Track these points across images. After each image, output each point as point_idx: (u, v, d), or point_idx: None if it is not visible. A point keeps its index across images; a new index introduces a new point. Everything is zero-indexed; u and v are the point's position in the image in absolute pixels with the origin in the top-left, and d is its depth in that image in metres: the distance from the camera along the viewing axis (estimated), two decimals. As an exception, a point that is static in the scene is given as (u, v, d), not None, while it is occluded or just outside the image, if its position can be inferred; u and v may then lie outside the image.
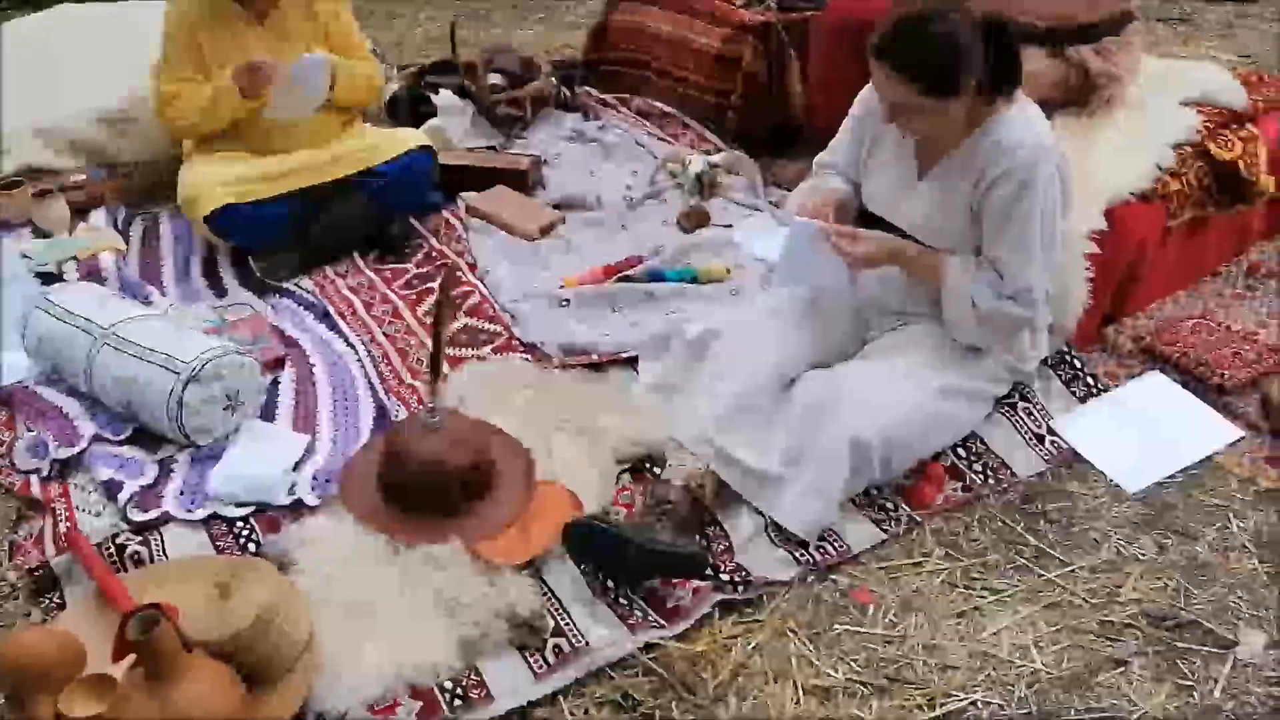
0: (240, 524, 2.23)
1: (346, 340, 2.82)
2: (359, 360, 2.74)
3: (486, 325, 2.84)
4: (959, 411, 2.38)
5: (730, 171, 3.43)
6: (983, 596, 2.13)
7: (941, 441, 2.38)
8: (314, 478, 2.32)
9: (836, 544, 2.22)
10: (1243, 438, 2.45)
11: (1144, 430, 2.46)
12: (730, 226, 3.20)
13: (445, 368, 2.58)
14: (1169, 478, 2.38)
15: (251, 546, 2.18)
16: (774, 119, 3.61)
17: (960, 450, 2.42)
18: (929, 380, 2.32)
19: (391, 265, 3.12)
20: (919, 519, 2.29)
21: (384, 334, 2.85)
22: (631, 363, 2.67)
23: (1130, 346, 2.71)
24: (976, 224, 2.30)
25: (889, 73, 2.15)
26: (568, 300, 2.89)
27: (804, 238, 2.35)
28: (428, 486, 2.19)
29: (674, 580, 2.11)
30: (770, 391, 2.37)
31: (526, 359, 2.70)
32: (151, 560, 2.15)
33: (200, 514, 2.25)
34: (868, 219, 2.50)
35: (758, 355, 2.38)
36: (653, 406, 2.50)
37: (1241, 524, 2.26)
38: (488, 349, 2.75)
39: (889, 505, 2.31)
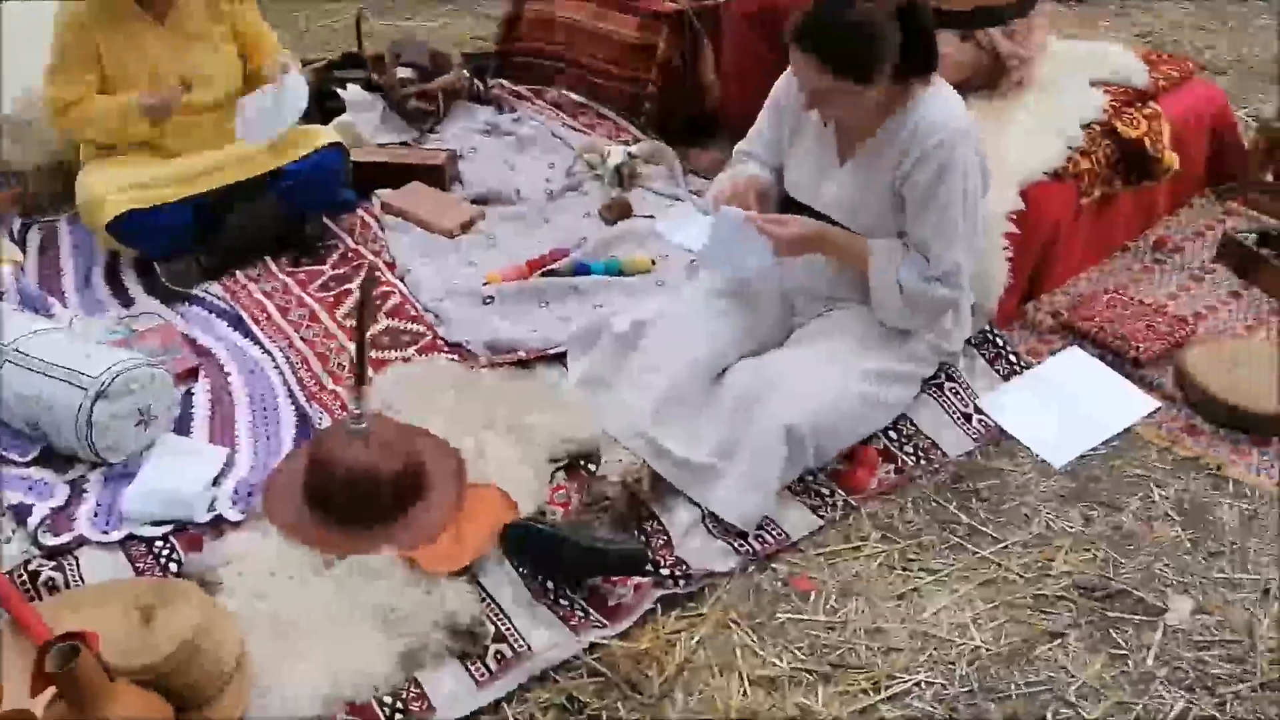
0: (159, 543, 2.14)
1: (262, 347, 2.72)
2: (276, 367, 2.65)
3: (409, 326, 2.77)
4: (888, 394, 2.39)
5: (649, 161, 3.41)
6: (920, 577, 2.15)
7: (873, 425, 2.40)
8: (235, 491, 2.24)
9: (775, 532, 2.22)
10: (1159, 408, 2.52)
11: (1066, 405, 2.52)
12: (652, 217, 3.18)
13: (369, 371, 2.51)
14: (1092, 450, 2.43)
15: (173, 567, 2.09)
16: (690, 108, 3.59)
17: (891, 432, 2.44)
18: (857, 365, 2.33)
19: (306, 267, 3.02)
20: (854, 503, 2.30)
21: (302, 339, 2.76)
22: (560, 358, 2.63)
23: (1049, 323, 2.77)
24: (899, 207, 2.32)
25: (807, 59, 2.14)
26: (491, 297, 2.83)
27: (730, 226, 2.34)
28: (356, 495, 2.13)
29: (614, 578, 2.09)
30: (701, 382, 2.35)
31: (452, 359, 2.64)
32: (67, 586, 2.05)
33: (116, 535, 2.15)
34: (790, 205, 2.50)
35: (687, 346, 2.36)
36: (584, 402, 2.46)
37: (1163, 493, 2.32)
38: (412, 350, 2.69)
39: (824, 491, 2.32)
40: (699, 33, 3.47)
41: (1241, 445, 2.42)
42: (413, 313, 2.81)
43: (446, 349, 2.68)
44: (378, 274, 2.93)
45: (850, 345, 2.36)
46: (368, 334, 2.19)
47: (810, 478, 2.33)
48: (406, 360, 2.64)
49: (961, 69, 2.79)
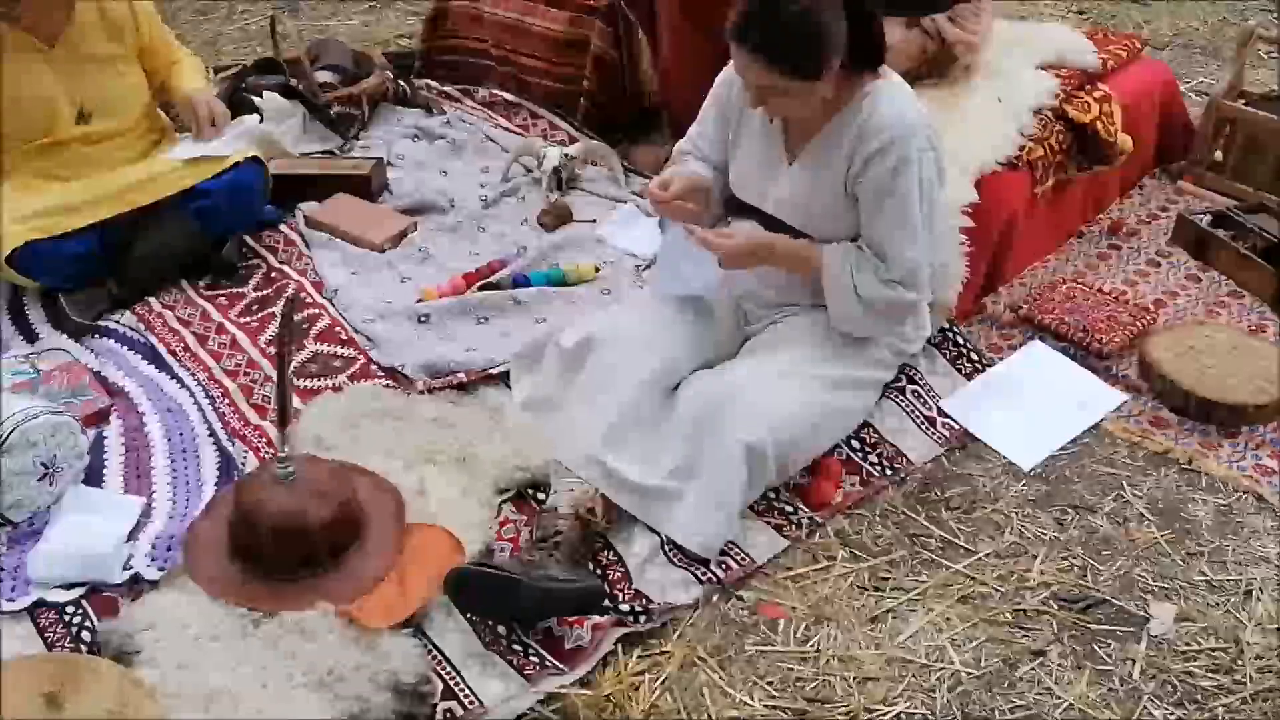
0: (71, 609, 1.96)
1: (180, 381, 2.53)
2: (196, 403, 2.46)
3: (339, 350, 2.60)
4: (849, 402, 2.28)
5: (588, 162, 3.26)
6: (893, 598, 2.04)
7: (835, 436, 2.29)
8: (153, 547, 2.06)
9: (739, 557, 2.10)
10: (1126, 401, 2.44)
11: (1031, 403, 2.43)
12: (594, 221, 3.03)
13: (296, 402, 2.34)
14: (1061, 449, 2.34)
15: (86, 635, 1.91)
16: (629, 103, 3.44)
17: (854, 442, 2.33)
18: (816, 374, 2.22)
19: (226, 291, 2.83)
20: (820, 520, 2.19)
21: (223, 369, 2.57)
22: (503, 379, 2.49)
23: (1009, 316, 2.68)
24: (852, 206, 2.20)
25: (750, 58, 2.02)
26: (427, 315, 2.67)
27: (679, 243, 2.22)
28: (285, 546, 1.96)
29: (571, 619, 1.95)
30: (655, 400, 2.22)
31: (388, 385, 2.47)
32: (-34, 665, 1.86)
33: (23, 603, 1.96)
34: (736, 206, 2.38)
35: (639, 363, 2.22)
36: (530, 426, 2.32)
37: (1136, 492, 2.24)
38: (343, 377, 2.51)
39: (788, 508, 2.20)
40: (633, 25, 3.32)
41: (1211, 437, 2.35)
42: (343, 336, 2.64)
43: (381, 374, 2.52)
44: (303, 295, 2.75)
45: (807, 354, 2.25)
46: (290, 368, 2.02)
47: (773, 494, 2.22)
48: (337, 389, 2.47)
49: (908, 57, 2.68)
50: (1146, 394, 2.46)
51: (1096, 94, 2.85)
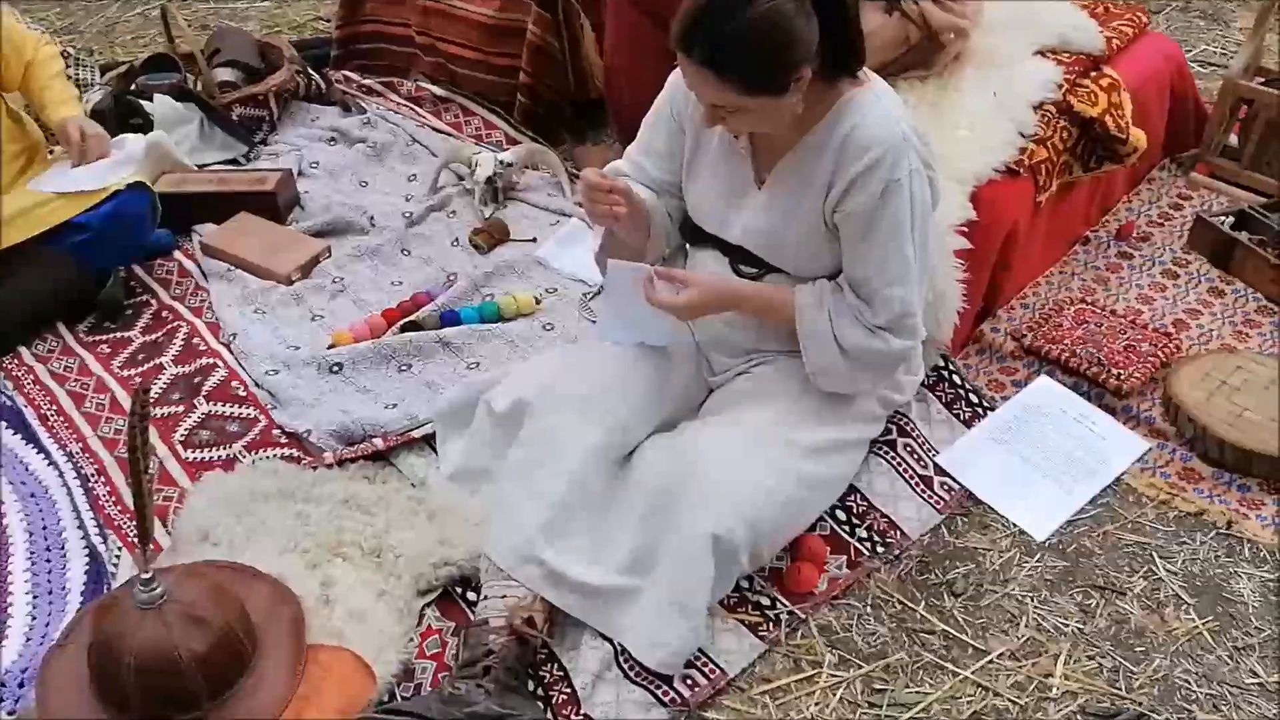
0: (-110, 778, 1.60)
1: (48, 455, 2.15)
2: (64, 485, 2.08)
3: (236, 410, 2.22)
4: (832, 470, 1.94)
5: (528, 168, 2.87)
6: (892, 716, 1.71)
7: (817, 509, 1.95)
8: (1, 684, 1.70)
9: (707, 669, 1.77)
10: (1150, 449, 2.12)
11: (1042, 455, 2.09)
12: (534, 240, 2.65)
13: (183, 480, 1.97)
14: (1078, 512, 2.02)
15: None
16: (572, 97, 3.05)
17: (839, 512, 1.99)
18: (793, 441, 1.87)
19: (110, 336, 2.44)
20: (802, 614, 1.85)
21: (100, 438, 2.19)
22: (430, 440, 2.12)
23: (1011, 346, 2.33)
24: (832, 237, 1.85)
25: (700, 73, 1.64)
26: (339, 364, 2.29)
27: (624, 285, 1.85)
28: (154, 688, 1.59)
29: (505, 767, 1.61)
30: (603, 475, 1.87)
31: (291, 456, 2.10)
32: None
33: None
34: (696, 234, 2.01)
35: (583, 431, 1.86)
36: (459, 504, 1.96)
37: (1169, 566, 1.92)
38: (239, 445, 2.14)
39: (764, 600, 1.87)
40: (573, 9, 2.92)
41: (1251, 493, 2.03)
42: (241, 392, 2.26)
43: (284, 439, 2.15)
44: (195, 342, 2.36)
45: (782, 414, 1.89)
46: (147, 474, 1.65)
47: (745, 583, 1.88)
48: (230, 463, 2.10)
49: (888, 48, 2.31)
50: (1174, 440, 2.13)
51: (1104, 82, 2.49)
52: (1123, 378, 2.19)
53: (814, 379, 1.91)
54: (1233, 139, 2.86)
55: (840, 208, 1.79)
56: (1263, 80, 2.84)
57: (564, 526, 1.81)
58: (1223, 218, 2.60)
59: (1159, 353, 2.25)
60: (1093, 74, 2.51)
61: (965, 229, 2.16)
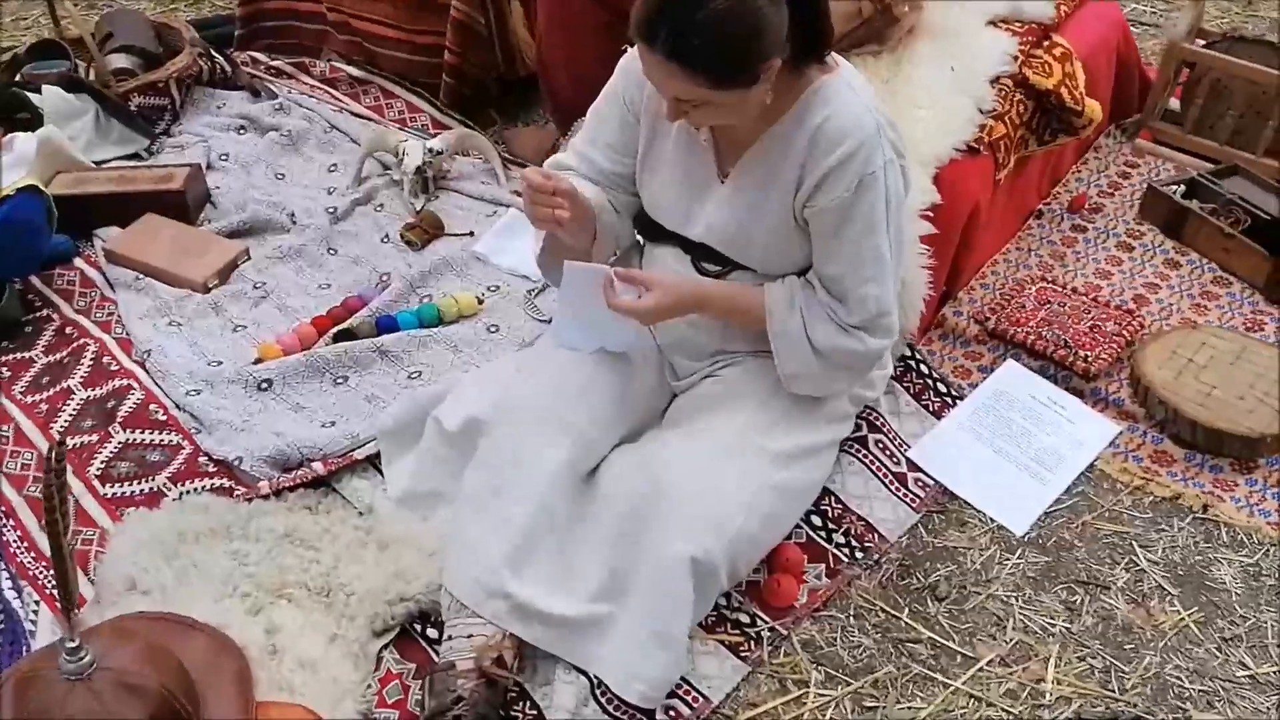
0: None
1: (-54, 499, 1.95)
2: (-33, 532, 1.88)
3: (157, 438, 2.04)
4: (807, 475, 1.85)
5: (459, 154, 2.70)
6: (885, 736, 1.64)
7: (794, 519, 1.85)
8: (-94, 770, 1.51)
9: (689, 696, 1.67)
10: (1121, 432, 2.07)
11: (1014, 445, 2.03)
12: (471, 234, 2.49)
13: (104, 521, 1.79)
14: (1055, 503, 1.96)
15: None
16: (499, 74, 2.88)
17: (814, 517, 1.91)
18: (765, 448, 1.77)
19: (9, 357, 2.22)
20: (784, 629, 1.76)
21: (6, 474, 1.99)
22: (374, 461, 1.97)
23: (974, 330, 2.26)
24: (802, 234, 1.74)
25: (665, 67, 1.51)
26: (269, 381, 2.12)
27: (582, 287, 1.72)
28: (87, 768, 1.44)
29: (484, 823, 1.50)
30: (568, 495, 1.74)
31: (221, 486, 1.93)
32: None
33: None
34: (654, 231, 1.89)
35: (544, 448, 1.73)
36: (412, 533, 1.83)
37: (1149, 556, 1.88)
38: (163, 477, 1.96)
39: (743, 618, 1.78)
40: (499, -19, 2.74)
41: (1224, 474, 2.00)
42: (160, 415, 2.07)
43: (212, 468, 1.97)
44: (106, 361, 2.16)
45: (751, 420, 1.79)
46: (68, 534, 1.48)
47: (723, 600, 1.78)
48: (154, 497, 1.92)
49: (840, 22, 2.17)
50: (1144, 422, 2.09)
51: (1056, 51, 2.41)
52: (1090, 359, 2.14)
53: (786, 382, 1.81)
54: (1174, 103, 2.83)
55: (811, 203, 1.69)
56: (1204, 43, 2.81)
57: (529, 555, 1.69)
58: (1173, 187, 2.56)
59: (1124, 331, 2.21)
60: (1045, 44, 2.43)
61: (930, 213, 2.08)
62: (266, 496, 1.89)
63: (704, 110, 1.59)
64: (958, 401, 2.11)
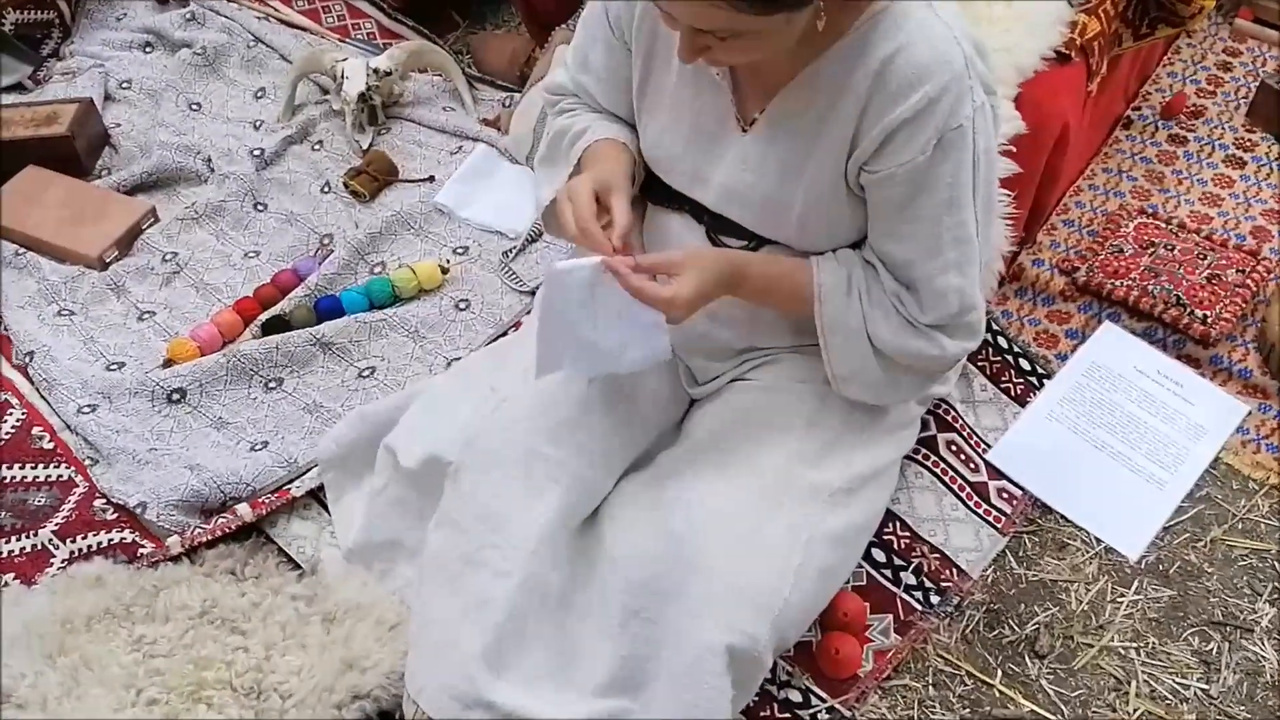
0: None
1: None
2: None
3: (41, 474, 1.62)
4: (869, 507, 1.43)
5: (414, 71, 2.20)
6: None
7: (852, 564, 1.45)
8: None
9: (730, 813, 1.30)
10: (1249, 413, 1.66)
11: (1118, 437, 1.63)
12: (431, 180, 2.02)
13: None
14: (1174, 516, 1.57)
15: None
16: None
17: (876, 550, 1.51)
18: (818, 486, 1.35)
19: None
20: (847, 710, 1.39)
21: None
22: (317, 494, 1.57)
23: (1060, 284, 1.82)
24: (854, 201, 1.29)
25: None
26: (181, 390, 1.69)
27: (572, 292, 1.26)
28: None
29: None
30: (564, 557, 1.33)
31: (125, 542, 1.52)
32: None
33: None
34: (659, 191, 1.43)
35: (532, 502, 1.31)
36: (368, 601, 1.43)
37: (1302, 585, 1.49)
38: (48, 531, 1.55)
39: (794, 696, 1.40)
40: None
41: (1387, 469, 1.60)
42: (47, 442, 1.65)
43: (111, 515, 1.56)
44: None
45: (797, 448, 1.37)
46: None
47: (767, 674, 1.39)
48: (39, 558, 1.51)
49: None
50: (1277, 399, 1.67)
51: (1157, -82, 1.90)
52: (1209, 320, 1.71)
53: (836, 385, 1.38)
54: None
55: (873, 166, 1.23)
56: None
57: (515, 645, 1.29)
58: (1293, 81, 2.08)
59: (1248, 281, 1.77)
60: (1142, -93, 1.91)
61: (1011, 147, 1.61)
62: (177, 558, 1.49)
63: (731, 45, 1.12)
64: (1044, 382, 1.69)
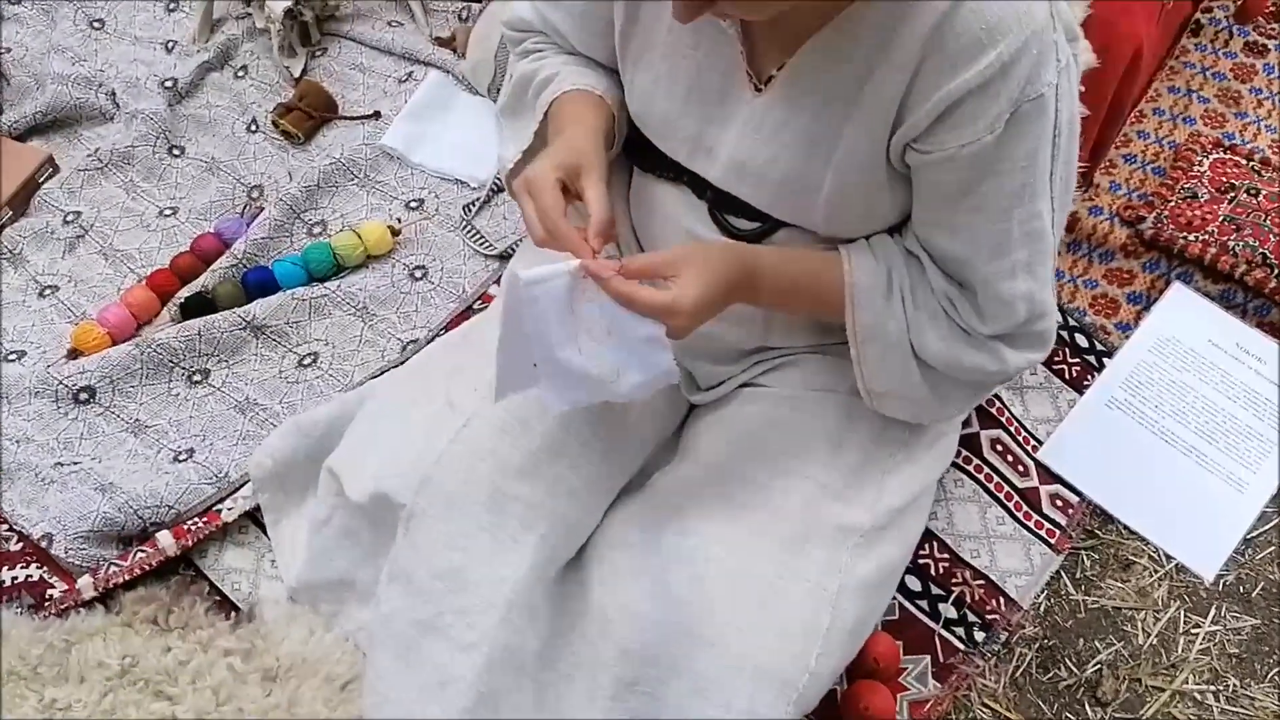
0: None
1: None
2: None
3: (-71, 496, 1.38)
4: (904, 539, 1.20)
5: (349, -21, 1.86)
6: None
7: (884, 605, 1.22)
8: None
9: None
10: (1345, 396, 1.42)
11: (1191, 428, 1.39)
12: (376, 116, 1.70)
13: None
14: (1253, 528, 1.35)
15: None
16: None
17: (911, 578, 1.29)
18: (846, 527, 1.11)
19: None
20: (878, 774, 1.19)
21: None
22: (253, 515, 1.33)
23: (1122, 236, 1.55)
24: (896, 181, 1.02)
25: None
26: (89, 389, 1.43)
27: (548, 308, 0.98)
28: None
29: None
30: (543, 614, 1.11)
31: (32, 581, 1.29)
32: None
33: None
34: (649, 158, 1.15)
35: (502, 558, 1.08)
36: (316, 655, 1.21)
37: (1407, 612, 1.28)
38: (-60, 567, 1.32)
39: (818, 758, 1.20)
40: None
41: None
42: (-66, 455, 1.40)
43: (15, 547, 1.32)
44: None
45: (821, 478, 1.13)
46: None
47: (786, 732, 1.19)
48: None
49: None
50: (1380, 380, 1.43)
51: None
52: (1300, 283, 1.45)
53: (871, 401, 1.13)
54: None
55: (925, 144, 0.95)
56: None
57: (487, 713, 1.08)
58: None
59: (1346, 231, 1.50)
60: None
61: (1081, 87, 1.31)
62: (90, 603, 1.26)
63: (744, -1, 0.83)
64: (1104, 361, 1.44)
